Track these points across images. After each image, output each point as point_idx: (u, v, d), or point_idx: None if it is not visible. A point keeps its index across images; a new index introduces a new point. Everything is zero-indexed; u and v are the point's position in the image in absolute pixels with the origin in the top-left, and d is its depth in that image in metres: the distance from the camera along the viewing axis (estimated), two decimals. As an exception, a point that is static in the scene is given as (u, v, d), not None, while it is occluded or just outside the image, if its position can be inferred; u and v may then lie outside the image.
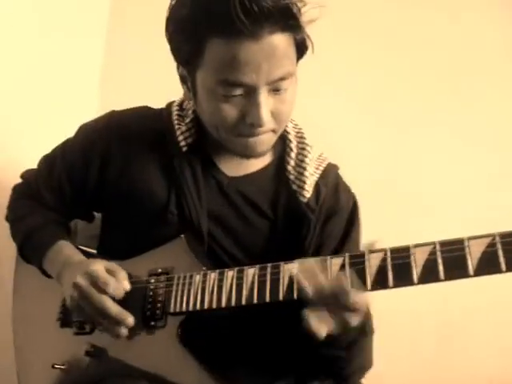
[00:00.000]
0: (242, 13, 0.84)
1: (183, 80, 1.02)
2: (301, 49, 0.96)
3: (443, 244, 0.80)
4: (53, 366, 1.05)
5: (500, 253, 0.76)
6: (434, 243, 0.81)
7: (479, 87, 1.87)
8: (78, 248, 1.12)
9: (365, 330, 0.95)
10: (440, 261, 0.80)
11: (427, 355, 1.80)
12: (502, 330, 1.81)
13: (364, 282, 0.84)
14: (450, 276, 0.79)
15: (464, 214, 1.78)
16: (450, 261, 0.79)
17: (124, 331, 0.97)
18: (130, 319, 0.96)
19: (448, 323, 1.83)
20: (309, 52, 0.99)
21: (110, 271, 0.99)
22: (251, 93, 0.92)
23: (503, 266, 0.76)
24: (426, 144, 1.88)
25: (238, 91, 0.92)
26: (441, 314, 1.82)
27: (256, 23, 0.86)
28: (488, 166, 1.84)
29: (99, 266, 0.98)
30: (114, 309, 0.95)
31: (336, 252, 1.06)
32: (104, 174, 1.09)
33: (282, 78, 0.92)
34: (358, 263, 0.85)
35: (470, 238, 0.79)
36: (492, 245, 0.77)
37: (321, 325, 0.82)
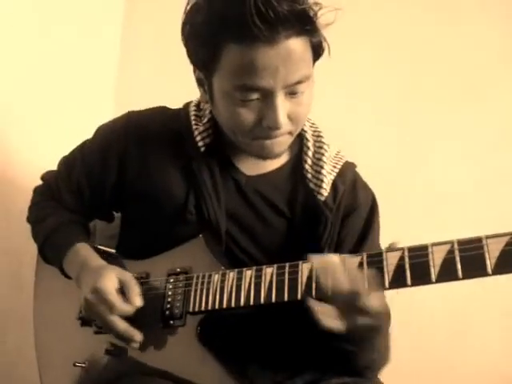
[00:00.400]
0: (258, 18, 0.84)
1: (200, 83, 1.02)
2: (317, 51, 0.96)
3: (461, 243, 0.81)
4: (74, 365, 1.07)
5: (517, 252, 0.76)
6: (452, 242, 0.81)
7: (485, 85, 1.87)
8: (97, 248, 1.13)
9: (378, 330, 0.94)
10: (458, 259, 0.80)
11: (439, 350, 1.81)
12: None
13: (382, 281, 0.84)
14: (468, 275, 0.79)
15: (475, 211, 1.78)
16: (468, 260, 0.79)
17: (134, 345, 0.99)
18: (137, 336, 0.98)
19: (460, 318, 1.83)
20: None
21: (122, 285, 1.00)
22: (268, 96, 0.92)
23: (517, 266, 0.76)
24: (433, 141, 1.89)
25: (255, 95, 0.92)
26: (453, 309, 1.82)
27: (272, 28, 0.86)
28: (496, 163, 1.84)
29: (109, 284, 0.98)
30: (122, 327, 0.97)
31: (356, 249, 1.06)
32: (122, 174, 1.11)
33: (299, 82, 0.93)
34: (376, 262, 0.86)
35: (487, 237, 0.79)
36: (510, 243, 0.77)
37: (333, 320, 0.83)
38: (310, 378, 1.04)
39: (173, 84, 1.59)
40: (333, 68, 1.61)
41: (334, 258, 0.86)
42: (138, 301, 0.99)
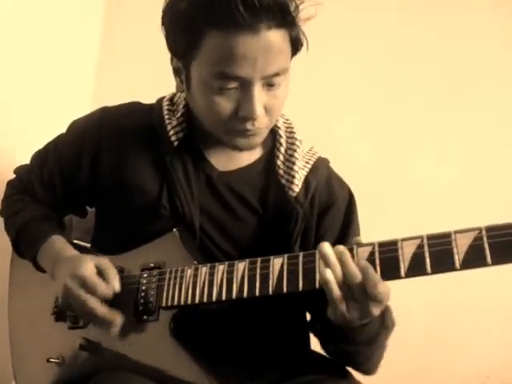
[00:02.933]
0: (243, 6, 0.85)
1: (177, 72, 1.02)
2: (296, 46, 0.97)
3: (430, 237, 0.81)
4: (48, 360, 1.06)
5: (486, 246, 0.76)
6: (421, 237, 0.82)
7: (465, 86, 1.89)
8: (72, 243, 1.13)
9: (385, 324, 0.96)
10: (427, 254, 0.80)
11: (416, 350, 1.83)
12: (495, 326, 1.83)
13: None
14: (437, 270, 0.79)
15: (453, 210, 1.80)
16: (437, 254, 0.79)
17: (114, 330, 0.98)
18: (119, 319, 0.98)
19: (438, 318, 1.85)
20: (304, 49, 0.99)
21: (100, 270, 1.00)
22: (245, 86, 0.92)
23: (489, 260, 0.76)
24: (412, 141, 1.91)
25: (233, 84, 0.92)
26: (430, 308, 1.84)
27: (255, 17, 0.87)
28: (474, 162, 1.86)
29: (88, 268, 0.98)
30: (101, 310, 0.97)
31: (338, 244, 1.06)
32: (96, 170, 1.10)
33: (277, 74, 0.93)
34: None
35: (456, 232, 0.79)
36: (478, 238, 0.77)
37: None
38: (281, 375, 1.04)
39: (152, 79, 1.58)
40: (315, 65, 1.63)
41: (342, 248, 0.85)
42: (116, 284, 0.99)
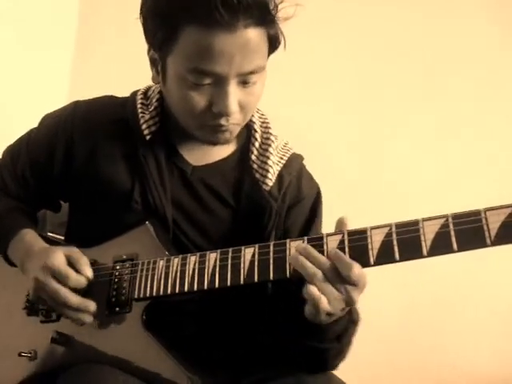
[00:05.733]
0: (221, 3, 0.86)
1: (153, 63, 1.02)
2: (273, 44, 0.98)
3: (399, 225, 0.82)
4: (19, 354, 1.05)
5: (452, 233, 0.78)
6: (390, 225, 0.83)
7: (443, 77, 1.91)
8: (43, 236, 1.11)
9: (353, 319, 0.96)
10: (395, 242, 0.81)
11: (390, 341, 1.84)
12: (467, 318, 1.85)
13: None
14: (405, 257, 0.81)
15: (431, 201, 1.82)
16: (405, 242, 0.81)
17: (88, 318, 0.97)
18: (92, 306, 0.97)
19: (413, 310, 1.87)
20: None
21: (71, 260, 0.99)
22: (221, 83, 0.93)
23: (455, 246, 0.77)
24: (389, 133, 1.92)
25: (208, 80, 0.93)
26: (405, 301, 1.86)
27: (233, 15, 0.87)
28: (451, 154, 1.88)
29: (59, 258, 0.98)
30: (75, 299, 0.96)
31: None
32: (68, 163, 1.10)
33: (253, 72, 0.94)
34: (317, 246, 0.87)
35: (424, 220, 0.81)
36: (445, 225, 0.78)
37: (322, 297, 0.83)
38: (253, 377, 1.03)
39: (128, 72, 1.57)
40: (293, 59, 1.63)
41: (303, 245, 0.86)
42: (88, 271, 0.99)
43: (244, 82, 0.94)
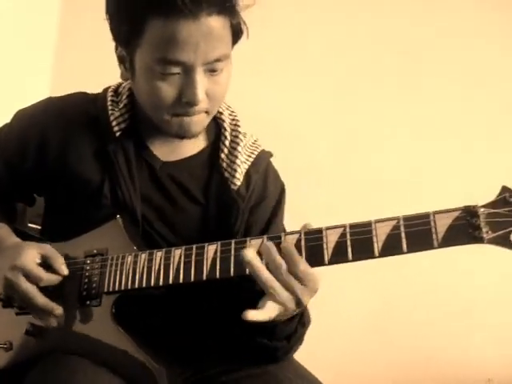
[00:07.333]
0: None
1: (121, 60, 1.04)
2: (236, 33, 0.99)
3: (353, 226, 0.84)
4: (-5, 345, 1.09)
5: (403, 235, 0.80)
6: (344, 226, 0.85)
7: (425, 71, 1.91)
8: (20, 231, 1.14)
9: (303, 321, 0.99)
10: (349, 243, 0.84)
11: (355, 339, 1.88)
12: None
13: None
14: (357, 257, 0.83)
15: (411, 197, 1.83)
16: (358, 243, 0.83)
17: (53, 321, 1.00)
18: (58, 310, 1.00)
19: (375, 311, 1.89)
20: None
21: (47, 260, 1.01)
22: (188, 72, 0.95)
23: (405, 248, 0.80)
24: (369, 127, 1.93)
25: (175, 70, 0.95)
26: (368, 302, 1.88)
27: (196, 4, 0.89)
28: (431, 150, 1.89)
29: (29, 257, 1.00)
30: (41, 301, 0.99)
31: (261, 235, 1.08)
32: (40, 159, 1.11)
33: (218, 60, 0.96)
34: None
35: (376, 221, 0.83)
36: (396, 227, 0.81)
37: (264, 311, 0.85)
38: (218, 368, 1.07)
39: (107, 69, 1.58)
40: (268, 52, 1.63)
41: (268, 245, 0.87)
42: (64, 270, 1.01)
43: (211, 70, 0.96)
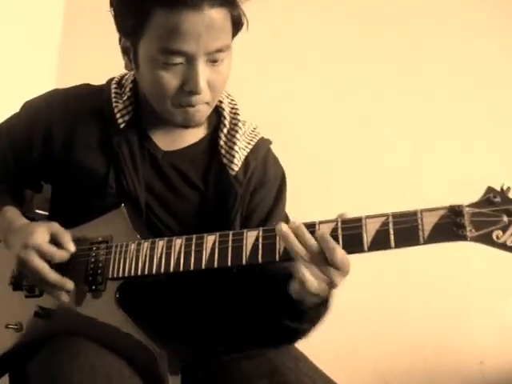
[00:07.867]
0: None
1: (125, 51, 1.07)
2: (237, 25, 1.03)
3: (344, 222, 0.88)
4: (6, 326, 1.14)
5: (391, 231, 0.84)
6: (336, 220, 0.89)
7: (424, 60, 1.92)
8: (28, 217, 1.18)
9: (327, 305, 1.00)
10: (341, 237, 0.87)
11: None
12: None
13: None
14: (348, 251, 0.87)
15: (412, 188, 1.85)
16: (348, 237, 0.87)
17: (65, 296, 1.05)
18: (69, 284, 1.04)
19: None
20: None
21: (55, 236, 1.06)
22: (190, 62, 0.98)
23: (392, 243, 0.83)
24: (370, 117, 1.95)
25: (178, 60, 0.98)
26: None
27: None
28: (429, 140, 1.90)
29: (40, 236, 1.04)
30: (53, 276, 1.03)
31: (264, 222, 1.13)
32: (47, 149, 1.15)
33: (219, 50, 0.99)
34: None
35: (367, 217, 0.86)
36: (385, 224, 0.84)
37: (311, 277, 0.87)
38: (217, 350, 1.11)
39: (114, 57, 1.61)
40: (269, 42, 1.64)
41: (298, 223, 0.90)
42: (71, 246, 1.06)
43: (212, 60, 1.00)
